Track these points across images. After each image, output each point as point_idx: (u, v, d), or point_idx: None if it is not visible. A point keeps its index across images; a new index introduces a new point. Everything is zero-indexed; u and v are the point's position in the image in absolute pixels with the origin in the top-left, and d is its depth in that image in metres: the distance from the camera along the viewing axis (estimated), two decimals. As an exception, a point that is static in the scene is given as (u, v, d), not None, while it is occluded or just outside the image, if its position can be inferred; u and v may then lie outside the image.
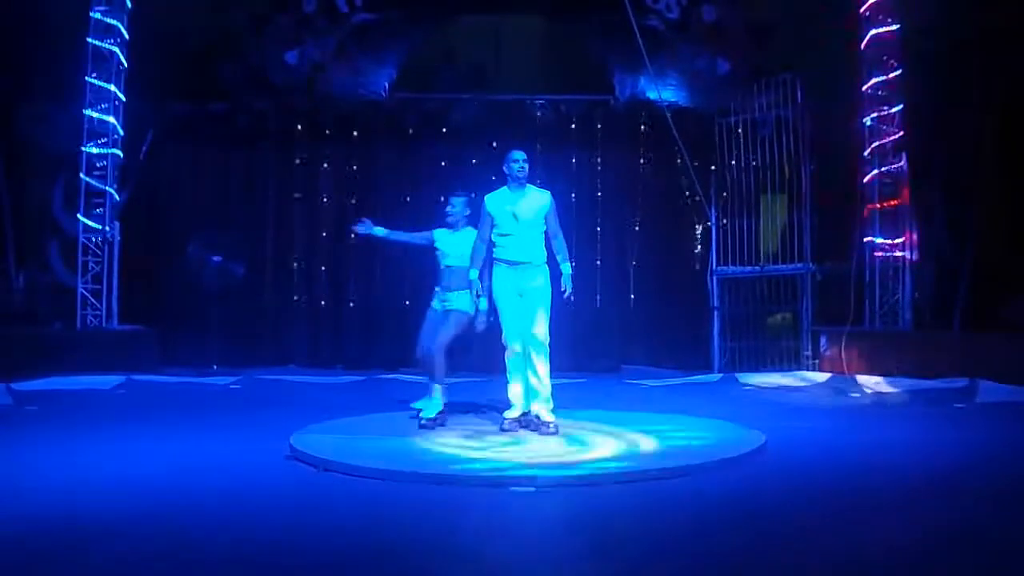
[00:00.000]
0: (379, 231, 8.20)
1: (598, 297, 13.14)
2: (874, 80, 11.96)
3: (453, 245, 7.85)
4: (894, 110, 11.91)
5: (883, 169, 11.98)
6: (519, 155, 7.41)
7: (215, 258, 12.46)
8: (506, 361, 7.50)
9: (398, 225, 8.60)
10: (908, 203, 11.92)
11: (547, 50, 13.96)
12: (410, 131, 13.34)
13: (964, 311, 11.33)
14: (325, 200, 13.34)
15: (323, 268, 13.36)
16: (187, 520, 4.99)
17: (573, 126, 13.43)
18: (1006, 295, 11.20)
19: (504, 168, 7.46)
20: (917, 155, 11.93)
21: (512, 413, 7.46)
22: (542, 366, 7.26)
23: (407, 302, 12.59)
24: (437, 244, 7.94)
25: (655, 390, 11.04)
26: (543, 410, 7.27)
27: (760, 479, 5.99)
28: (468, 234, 7.73)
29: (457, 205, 7.93)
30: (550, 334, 7.28)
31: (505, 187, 7.44)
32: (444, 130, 13.33)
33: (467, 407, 8.49)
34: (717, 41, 12.85)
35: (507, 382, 7.51)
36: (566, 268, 7.33)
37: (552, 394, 7.33)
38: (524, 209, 7.30)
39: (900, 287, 11.87)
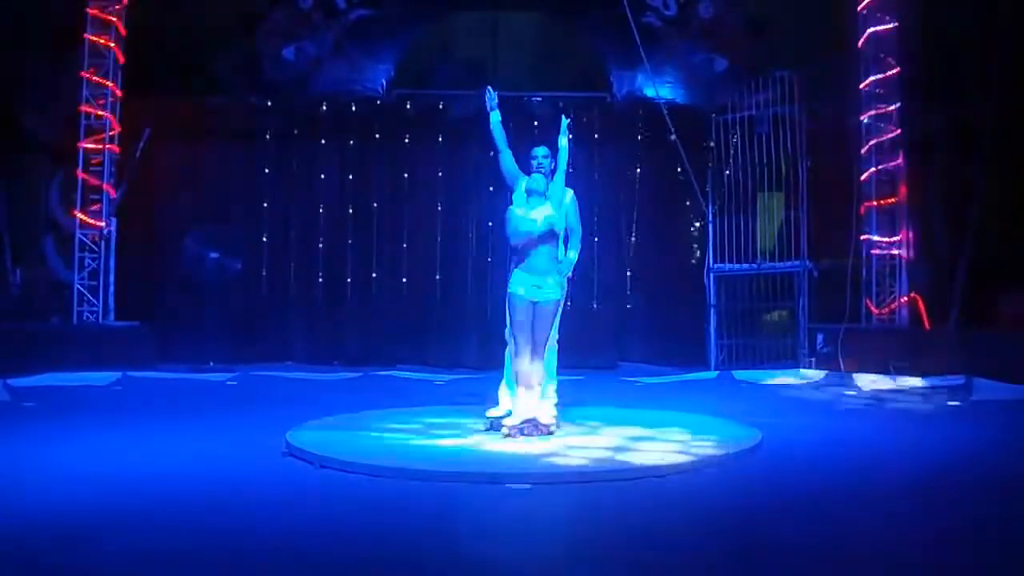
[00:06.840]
0: (496, 117, 7.95)
1: (595, 294, 13.12)
2: (872, 78, 11.96)
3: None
4: (891, 108, 11.91)
5: (880, 167, 11.98)
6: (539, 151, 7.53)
7: (212, 254, 12.45)
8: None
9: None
10: (905, 201, 11.93)
11: (544, 46, 13.92)
12: (407, 127, 13.32)
13: (961, 309, 11.34)
14: (322, 196, 13.31)
15: (320, 264, 13.33)
16: (183, 516, 4.99)
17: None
18: (1002, 292, 11.22)
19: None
20: (914, 153, 11.93)
21: (510, 420, 7.06)
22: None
23: (405, 297, 12.54)
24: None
25: (651, 387, 11.04)
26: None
27: (756, 477, 6.01)
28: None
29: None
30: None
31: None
32: (441, 126, 13.31)
33: (465, 405, 8.48)
34: (714, 38, 12.86)
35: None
36: None
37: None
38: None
39: (897, 285, 11.88)
